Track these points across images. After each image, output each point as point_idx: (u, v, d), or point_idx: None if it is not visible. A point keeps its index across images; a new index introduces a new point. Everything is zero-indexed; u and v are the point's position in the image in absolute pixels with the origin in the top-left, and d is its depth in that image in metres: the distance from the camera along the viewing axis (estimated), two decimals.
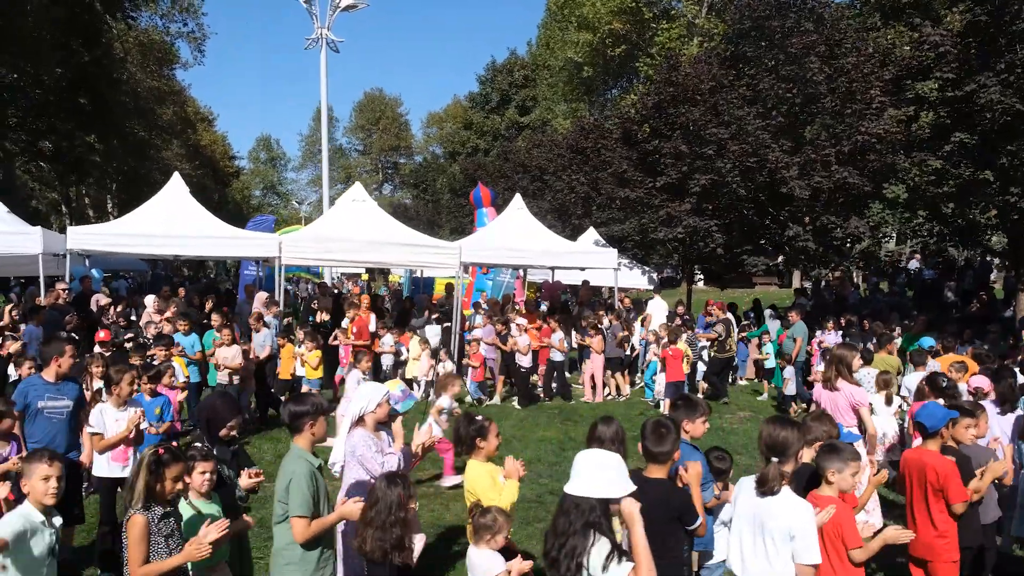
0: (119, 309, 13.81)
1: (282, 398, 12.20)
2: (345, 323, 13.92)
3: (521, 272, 23.59)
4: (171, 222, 14.35)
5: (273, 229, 20.77)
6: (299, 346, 12.53)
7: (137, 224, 14.39)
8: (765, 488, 4.08)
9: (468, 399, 13.84)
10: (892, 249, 25.69)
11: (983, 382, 8.03)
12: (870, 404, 7.73)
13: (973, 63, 15.10)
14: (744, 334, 16.99)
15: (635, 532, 3.26)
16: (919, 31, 16.54)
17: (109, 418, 6.38)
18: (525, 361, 13.90)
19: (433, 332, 15.49)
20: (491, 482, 4.78)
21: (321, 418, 4.39)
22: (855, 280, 36.80)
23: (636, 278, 23.97)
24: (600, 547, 3.22)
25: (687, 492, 4.35)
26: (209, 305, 14.87)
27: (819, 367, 14.71)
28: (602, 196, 23.09)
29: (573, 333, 16.12)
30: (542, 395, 14.74)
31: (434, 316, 16.29)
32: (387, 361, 14.17)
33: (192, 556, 3.78)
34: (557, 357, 14.59)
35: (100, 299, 14.64)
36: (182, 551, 3.81)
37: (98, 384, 8.22)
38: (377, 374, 13.85)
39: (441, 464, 9.40)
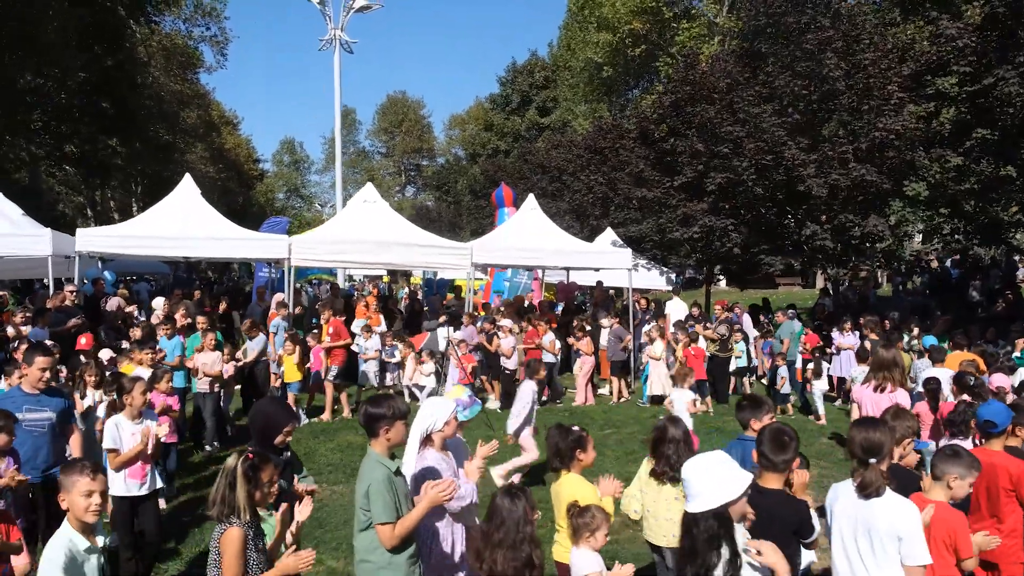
0: (128, 310, 13.81)
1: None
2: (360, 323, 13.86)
3: (539, 273, 23.43)
4: (182, 224, 14.35)
5: (287, 231, 20.76)
6: (279, 348, 12.31)
7: (147, 226, 14.41)
8: (869, 490, 3.96)
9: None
10: (918, 248, 25.14)
11: (1004, 381, 8.05)
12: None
13: (991, 56, 14.71)
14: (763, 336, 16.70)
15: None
16: (935, 24, 16.15)
17: (125, 432, 6.06)
18: (510, 363, 13.62)
19: (443, 334, 15.33)
20: (594, 496, 4.54)
21: (399, 422, 4.22)
22: (880, 280, 36.27)
23: (654, 279, 23.72)
24: (723, 555, 3.20)
25: (804, 504, 4.20)
26: (223, 307, 14.88)
27: (833, 368, 14.58)
28: (619, 196, 22.87)
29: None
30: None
31: (441, 318, 16.13)
32: (372, 368, 13.93)
33: (289, 569, 3.62)
34: (548, 359, 14.13)
35: (114, 302, 14.65)
36: (279, 565, 3.65)
37: (94, 394, 8.08)
38: (354, 377, 13.80)
39: None
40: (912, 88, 16.57)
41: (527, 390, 9.05)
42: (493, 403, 14.03)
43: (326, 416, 12.55)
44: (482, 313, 17.84)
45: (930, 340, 11.77)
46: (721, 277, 27.74)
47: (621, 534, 7.37)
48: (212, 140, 61.97)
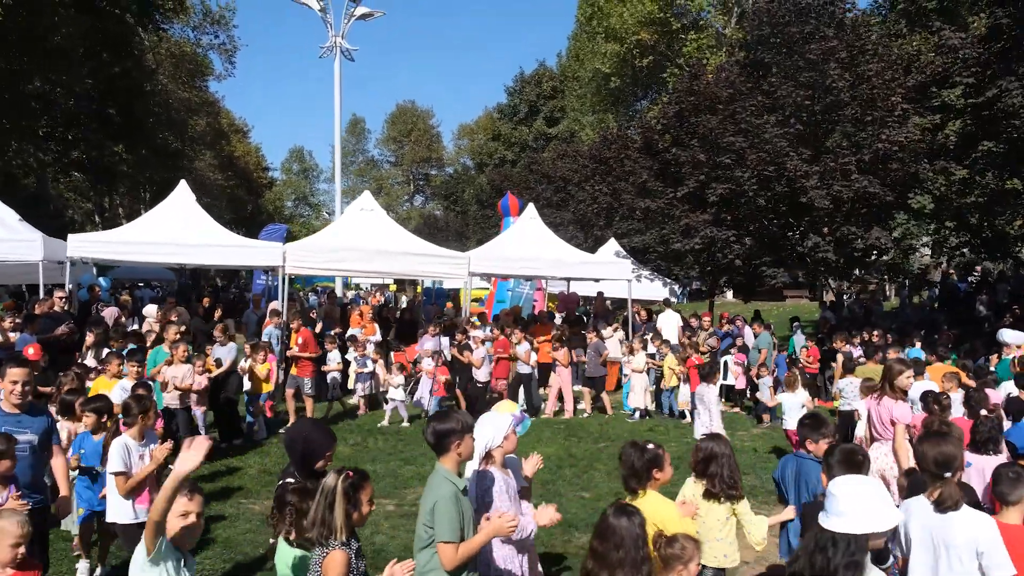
0: (122, 319, 13.68)
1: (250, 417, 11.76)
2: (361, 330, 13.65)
3: (542, 283, 23.25)
4: (175, 230, 14.22)
5: (285, 238, 20.66)
6: (247, 360, 11.73)
7: (140, 232, 14.31)
8: (947, 505, 3.91)
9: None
10: (927, 262, 24.82)
11: (996, 397, 7.96)
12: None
13: (995, 68, 14.48)
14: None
15: None
16: (938, 35, 15.94)
17: (135, 454, 5.59)
18: (481, 375, 13.23)
19: (434, 344, 15.12)
20: (678, 514, 4.43)
21: (468, 436, 4.10)
22: (888, 293, 35.91)
23: (657, 290, 23.50)
24: None
25: None
26: (217, 314, 14.73)
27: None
28: (623, 207, 22.72)
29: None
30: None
31: (431, 329, 15.94)
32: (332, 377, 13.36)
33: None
34: (523, 370, 13.96)
35: (110, 311, 14.53)
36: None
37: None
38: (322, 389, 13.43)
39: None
40: (917, 100, 16.36)
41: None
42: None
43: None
44: (477, 323, 17.69)
45: (915, 352, 11.74)
46: (728, 289, 27.42)
47: None
48: (221, 148, 62.17)
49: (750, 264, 18.88)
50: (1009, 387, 8.91)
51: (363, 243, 15.10)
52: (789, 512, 5.05)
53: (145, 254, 14.15)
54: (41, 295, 13.46)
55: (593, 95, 47.19)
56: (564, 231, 31.98)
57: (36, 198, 38.55)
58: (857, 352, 13.73)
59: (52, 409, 7.38)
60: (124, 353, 9.40)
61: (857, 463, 4.05)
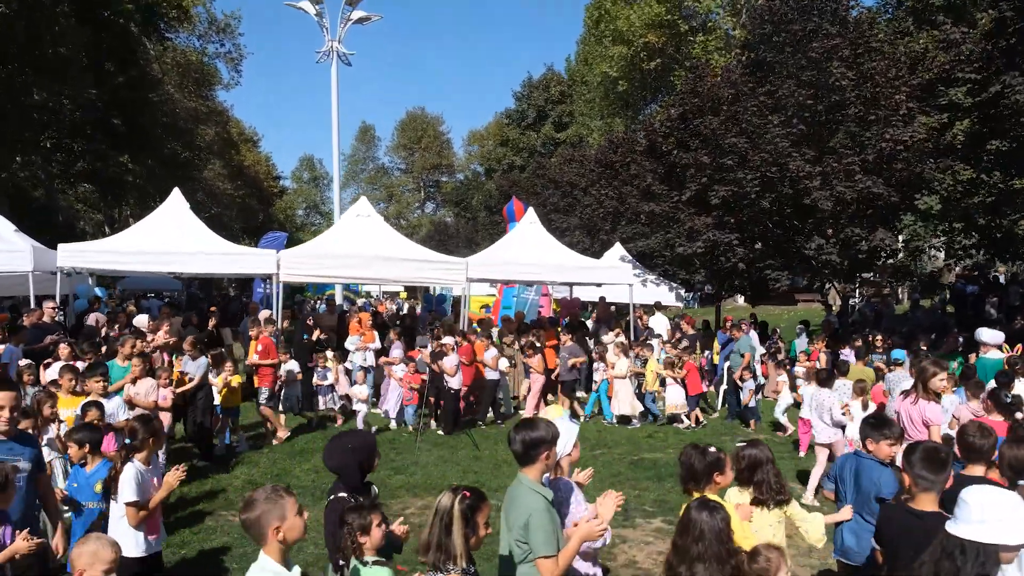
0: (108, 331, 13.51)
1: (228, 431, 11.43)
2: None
3: (548, 288, 23.00)
4: (168, 239, 14.10)
5: (286, 246, 20.51)
6: (214, 374, 11.10)
7: (132, 241, 14.18)
8: None
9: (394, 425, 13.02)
10: (939, 265, 24.39)
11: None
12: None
13: (998, 63, 14.11)
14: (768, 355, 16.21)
15: None
16: (940, 30, 15.57)
17: (147, 481, 5.15)
18: (454, 383, 12.75)
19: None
20: (736, 517, 4.34)
21: (555, 447, 3.95)
22: (900, 296, 35.39)
23: (663, 295, 23.19)
24: None
25: None
26: (212, 323, 14.55)
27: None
28: (629, 211, 22.46)
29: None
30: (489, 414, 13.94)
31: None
32: (293, 391, 12.70)
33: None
34: (491, 376, 13.62)
35: (99, 318, 14.39)
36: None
37: (53, 429, 7.29)
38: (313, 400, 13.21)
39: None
40: (923, 98, 16.00)
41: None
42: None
43: (281, 436, 11.93)
44: (478, 330, 17.46)
45: (899, 353, 11.91)
46: (739, 293, 27.06)
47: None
48: (231, 157, 62.33)
49: (754, 267, 18.52)
50: (991, 387, 8.72)
51: (359, 249, 14.92)
52: (846, 512, 5.06)
53: (136, 263, 14.00)
54: (32, 305, 13.32)
55: (601, 99, 46.91)
56: (571, 236, 31.77)
57: (46, 209, 38.74)
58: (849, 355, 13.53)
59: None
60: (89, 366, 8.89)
61: (941, 461, 3.94)
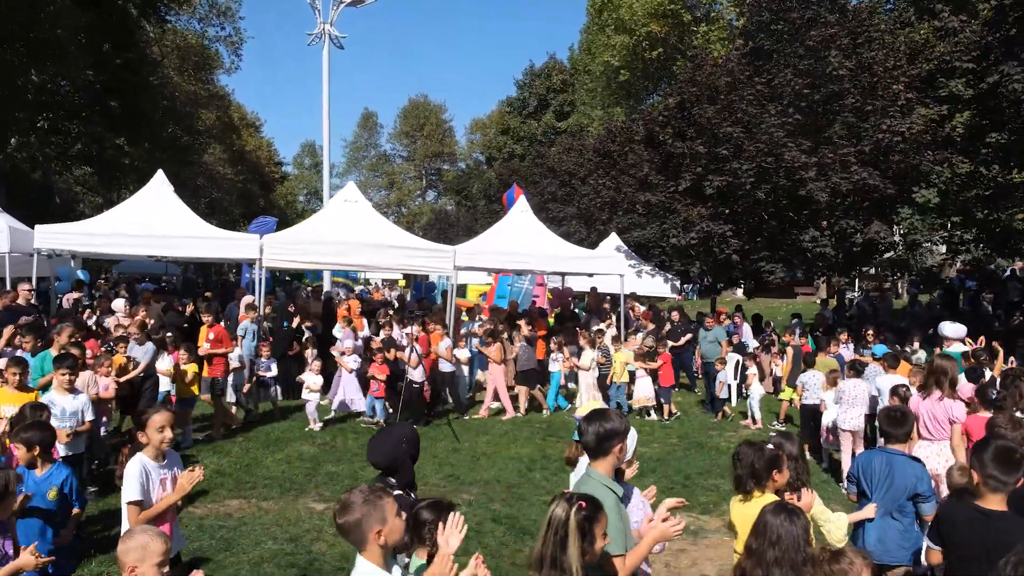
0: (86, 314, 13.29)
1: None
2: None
3: (543, 278, 22.73)
4: (148, 222, 13.81)
5: (275, 231, 20.21)
6: (164, 361, 10.41)
7: (112, 223, 13.88)
8: None
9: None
10: (940, 260, 24.02)
11: (971, 390, 7.83)
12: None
13: (996, 53, 13.74)
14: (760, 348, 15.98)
15: None
16: (940, 19, 15.20)
17: (154, 479, 4.56)
18: (416, 375, 12.31)
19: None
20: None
21: (626, 441, 3.79)
22: (900, 291, 35.06)
23: (658, 286, 22.93)
24: None
25: None
26: (189, 309, 14.28)
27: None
28: (625, 200, 22.17)
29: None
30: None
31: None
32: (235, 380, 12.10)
33: None
34: (445, 367, 13.19)
35: (71, 296, 14.15)
36: None
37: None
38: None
39: None
40: (923, 90, 15.64)
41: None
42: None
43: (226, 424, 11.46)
44: (466, 319, 17.22)
45: (882, 348, 12.01)
46: (735, 286, 26.74)
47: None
48: (232, 142, 61.96)
49: (748, 259, 18.20)
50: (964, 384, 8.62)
51: (345, 236, 14.61)
52: (870, 510, 5.00)
53: (115, 245, 13.73)
54: (8, 287, 13.08)
55: (603, 89, 46.49)
56: (567, 226, 31.48)
57: (44, 191, 38.56)
58: (849, 353, 13.29)
59: None
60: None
61: (1015, 462, 3.85)
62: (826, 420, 10.53)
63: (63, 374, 7.00)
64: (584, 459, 4.28)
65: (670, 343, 16.78)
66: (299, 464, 9.96)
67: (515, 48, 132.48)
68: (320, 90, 26.96)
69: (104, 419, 8.79)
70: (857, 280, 34.62)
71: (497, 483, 9.32)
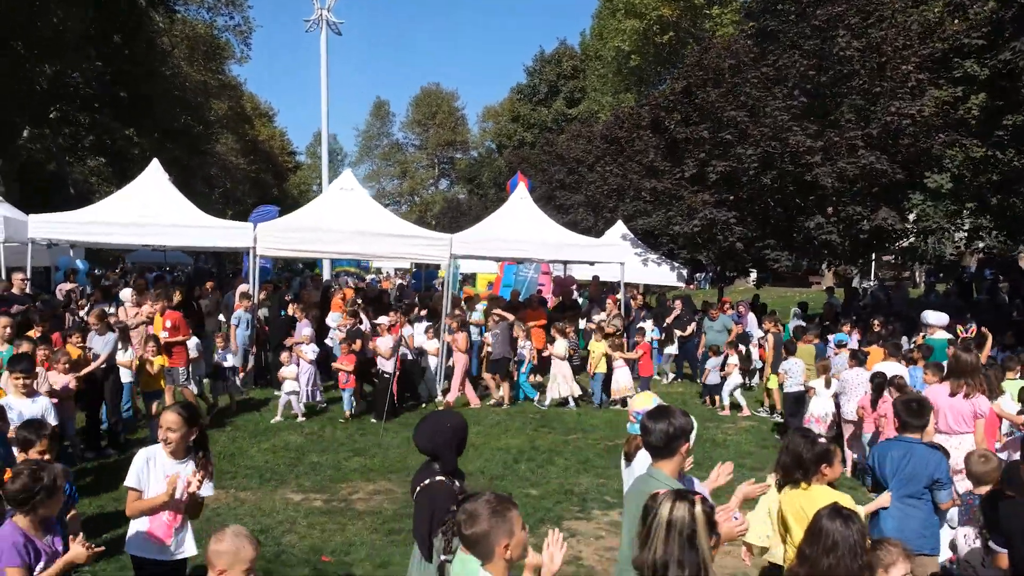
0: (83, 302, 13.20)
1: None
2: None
3: (549, 267, 22.49)
4: (142, 210, 13.70)
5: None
6: (124, 352, 10.01)
7: (105, 212, 13.81)
8: None
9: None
10: (958, 248, 23.47)
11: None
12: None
13: (1009, 28, 13.26)
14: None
15: None
16: None
17: (158, 471, 4.34)
18: (387, 365, 11.86)
19: (419, 329, 14.41)
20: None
21: (691, 440, 3.68)
22: (918, 280, 34.50)
23: (665, 275, 22.61)
24: None
25: None
26: (177, 297, 14.09)
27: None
28: (632, 187, 21.83)
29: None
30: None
31: (423, 312, 15.28)
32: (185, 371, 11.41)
33: None
34: (386, 366, 12.43)
35: (65, 287, 14.08)
36: None
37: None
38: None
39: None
40: (935, 70, 15.16)
41: None
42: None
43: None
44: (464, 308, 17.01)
45: (842, 337, 12.49)
46: (742, 274, 26.32)
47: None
48: (244, 132, 62.04)
49: (753, 247, 17.82)
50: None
51: (340, 224, 14.43)
52: (884, 499, 4.94)
53: (108, 235, 13.62)
54: (2, 276, 13.03)
55: (614, 75, 45.99)
56: (574, 213, 31.18)
57: (59, 182, 38.74)
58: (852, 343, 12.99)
59: None
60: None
61: None
62: (813, 407, 10.55)
63: (16, 378, 6.41)
64: (643, 454, 4.21)
65: (677, 332, 16.65)
66: (284, 454, 9.81)
67: (531, 33, 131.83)
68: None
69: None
70: (873, 269, 34.10)
71: (480, 475, 9.11)
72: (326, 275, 25.39)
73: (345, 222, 14.50)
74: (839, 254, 16.87)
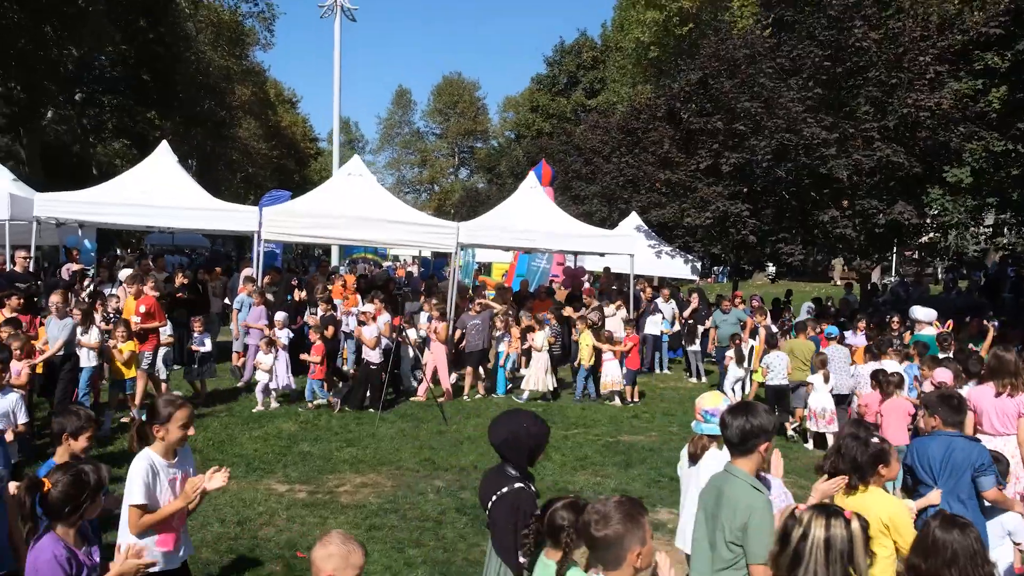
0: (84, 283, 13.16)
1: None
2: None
3: (563, 257, 22.23)
4: (149, 192, 13.67)
5: None
6: (86, 333, 9.55)
7: (111, 193, 13.78)
8: None
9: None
10: (976, 244, 22.95)
11: (946, 376, 7.86)
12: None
13: None
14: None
15: None
16: None
17: (162, 478, 3.94)
18: (373, 356, 11.50)
19: (424, 319, 14.22)
20: (907, 512, 4.13)
21: (772, 439, 3.58)
22: (939, 276, 33.83)
23: (679, 267, 22.29)
24: None
25: None
26: (180, 280, 14.04)
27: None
28: (647, 178, 21.50)
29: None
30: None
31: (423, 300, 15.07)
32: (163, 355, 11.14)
33: None
34: (371, 356, 12.04)
35: (71, 267, 14.06)
36: None
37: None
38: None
39: None
40: (954, 62, 14.70)
41: None
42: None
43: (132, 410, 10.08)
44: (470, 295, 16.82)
45: (832, 329, 12.40)
46: (758, 268, 25.95)
47: None
48: (268, 117, 62.22)
49: (766, 241, 17.44)
50: None
51: (346, 209, 14.28)
52: (935, 495, 4.80)
53: (113, 215, 13.57)
54: (7, 255, 13.03)
55: (633, 66, 45.47)
56: (589, 204, 30.87)
57: (83, 163, 39.03)
58: (863, 340, 12.66)
59: None
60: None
61: None
62: (812, 402, 10.52)
63: None
64: (711, 454, 4.26)
65: (699, 327, 16.34)
66: (275, 442, 9.67)
67: (554, 26, 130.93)
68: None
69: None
70: (894, 264, 33.50)
71: (474, 469, 8.91)
72: (335, 261, 25.20)
73: (351, 208, 14.36)
74: (854, 248, 16.47)
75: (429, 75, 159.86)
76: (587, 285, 17.96)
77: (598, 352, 13.27)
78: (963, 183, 15.21)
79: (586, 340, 13.16)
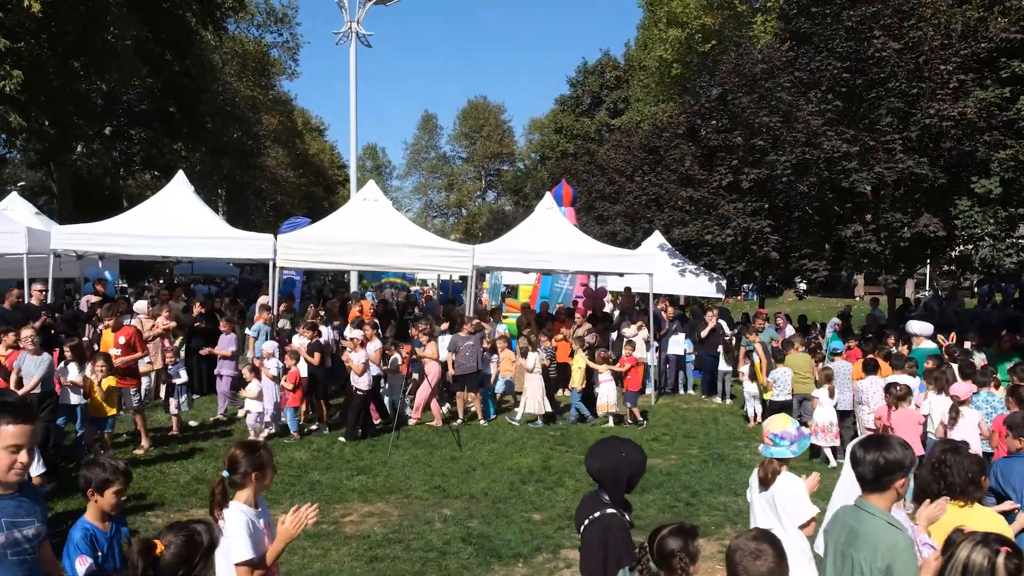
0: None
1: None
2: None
3: (587, 278, 22.03)
4: (163, 222, 13.77)
5: None
6: (66, 367, 9.16)
7: (125, 224, 13.89)
8: None
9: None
10: (1007, 256, 22.33)
11: (963, 389, 7.81)
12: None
13: None
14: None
15: None
16: None
17: (260, 528, 3.85)
18: (362, 383, 11.22)
19: (444, 343, 14.05)
20: (1009, 530, 4.10)
21: (908, 476, 3.50)
22: (974, 289, 32.99)
23: (703, 285, 21.95)
24: None
25: None
26: (198, 310, 14.09)
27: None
28: (670, 197, 21.31)
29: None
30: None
31: (444, 326, 14.94)
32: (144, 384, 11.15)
33: None
34: (359, 383, 11.75)
35: (90, 299, 14.16)
36: None
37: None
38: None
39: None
40: (979, 70, 14.33)
41: None
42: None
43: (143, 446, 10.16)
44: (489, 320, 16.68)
45: (837, 343, 12.58)
46: (782, 284, 25.49)
47: None
48: (295, 146, 63.08)
49: (789, 257, 17.09)
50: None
51: (360, 235, 14.27)
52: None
53: (129, 246, 13.71)
54: (27, 288, 13.15)
55: (657, 84, 45.39)
56: (612, 224, 30.69)
57: (113, 195, 39.74)
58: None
59: None
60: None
61: None
62: (817, 417, 10.51)
63: None
64: (783, 478, 4.23)
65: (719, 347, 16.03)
66: (285, 471, 9.54)
67: (578, 46, 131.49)
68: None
69: None
70: (929, 278, 32.76)
71: (484, 496, 8.71)
72: (353, 286, 25.25)
73: (366, 233, 14.34)
74: (880, 263, 16.05)
75: (455, 99, 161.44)
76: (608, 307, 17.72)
77: (591, 374, 13.05)
78: (992, 193, 14.78)
79: (579, 362, 12.97)
